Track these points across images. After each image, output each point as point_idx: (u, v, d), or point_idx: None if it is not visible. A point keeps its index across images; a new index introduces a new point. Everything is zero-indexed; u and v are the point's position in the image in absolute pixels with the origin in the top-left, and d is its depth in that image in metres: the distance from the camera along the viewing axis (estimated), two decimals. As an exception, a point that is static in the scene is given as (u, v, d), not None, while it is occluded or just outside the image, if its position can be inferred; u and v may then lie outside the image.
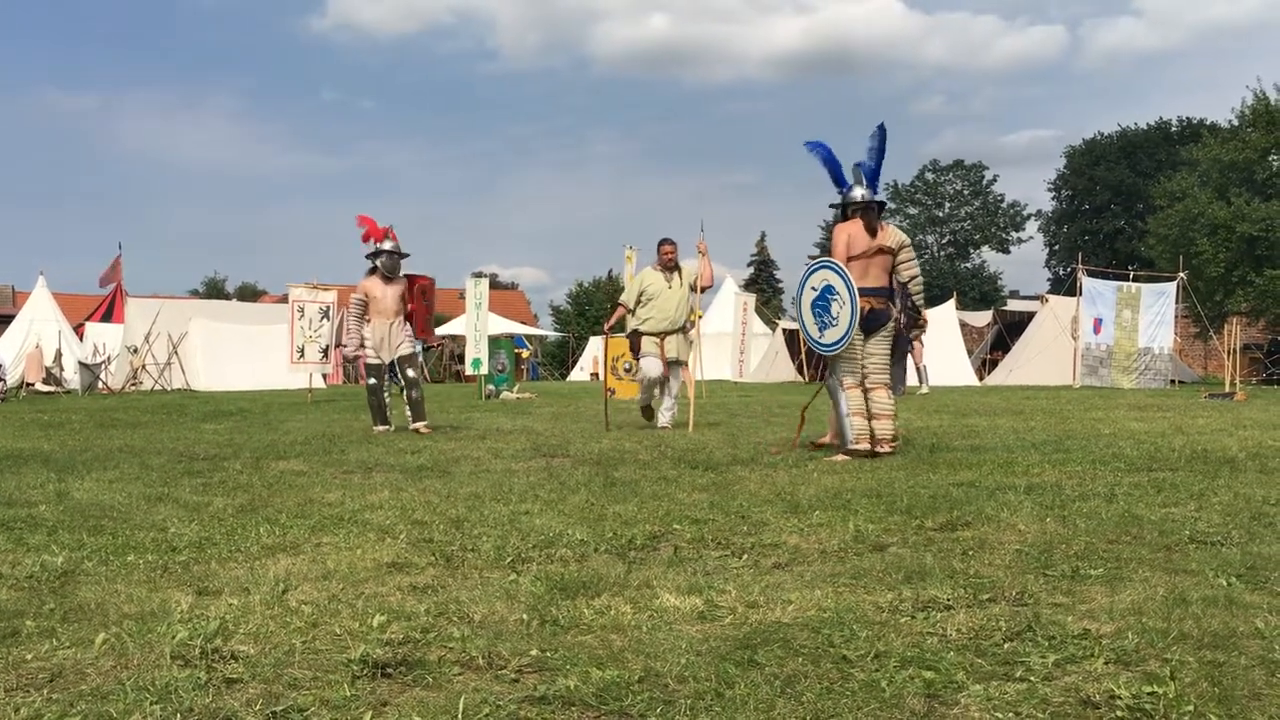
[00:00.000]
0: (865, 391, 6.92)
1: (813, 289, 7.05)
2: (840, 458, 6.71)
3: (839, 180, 7.28)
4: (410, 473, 6.33)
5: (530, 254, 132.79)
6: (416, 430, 9.52)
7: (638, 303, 9.71)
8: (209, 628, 2.67)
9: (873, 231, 6.97)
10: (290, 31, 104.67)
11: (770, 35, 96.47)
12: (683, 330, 9.74)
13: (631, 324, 9.83)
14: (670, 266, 9.69)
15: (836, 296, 6.84)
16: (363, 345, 9.72)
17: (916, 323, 7.29)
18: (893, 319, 7.00)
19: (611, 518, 4.46)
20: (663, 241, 9.79)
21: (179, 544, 3.94)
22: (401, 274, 9.92)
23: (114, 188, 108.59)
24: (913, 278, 7.12)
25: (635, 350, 9.85)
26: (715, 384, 19.82)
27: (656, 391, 9.79)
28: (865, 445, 6.81)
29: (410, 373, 9.77)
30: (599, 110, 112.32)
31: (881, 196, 7.25)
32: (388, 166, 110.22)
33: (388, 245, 9.79)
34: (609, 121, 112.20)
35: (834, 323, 6.88)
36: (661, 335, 9.60)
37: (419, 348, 10.80)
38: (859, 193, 7.10)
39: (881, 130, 7.24)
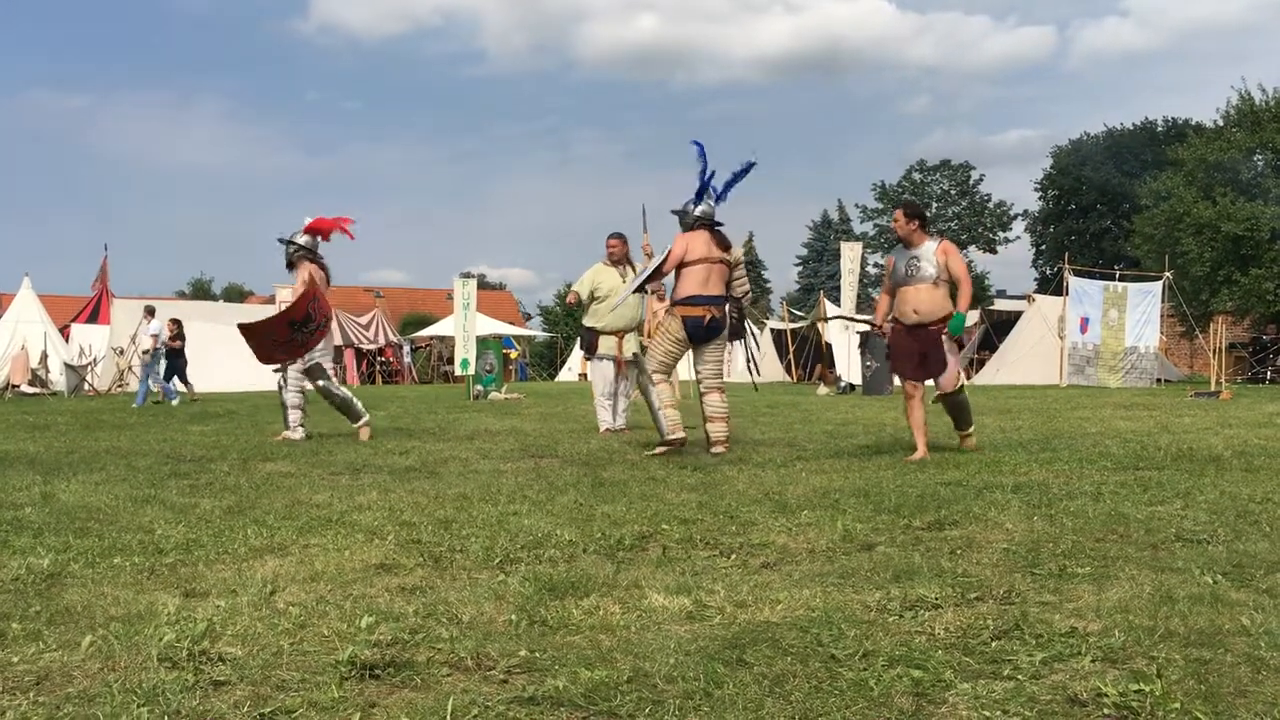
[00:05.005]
0: (700, 395, 7.46)
1: None
2: (659, 450, 7.28)
3: (703, 189, 7.64)
4: (398, 474, 6.31)
5: (518, 254, 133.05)
6: (356, 435, 8.87)
7: (591, 299, 9.43)
8: (196, 630, 2.66)
9: (725, 246, 7.48)
10: (275, 34, 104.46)
11: (758, 36, 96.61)
12: (640, 328, 9.66)
13: (588, 321, 9.56)
14: (619, 261, 9.44)
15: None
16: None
17: (739, 333, 7.82)
18: (728, 328, 7.50)
19: (600, 518, 4.46)
20: (609, 236, 9.54)
21: (166, 546, 3.92)
22: (299, 268, 8.89)
23: (101, 189, 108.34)
24: (745, 293, 7.70)
25: (590, 350, 9.56)
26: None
27: (606, 395, 9.52)
28: (681, 435, 7.28)
29: (320, 382, 8.97)
30: (586, 111, 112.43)
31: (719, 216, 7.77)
32: (374, 167, 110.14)
33: (301, 239, 8.99)
34: (596, 122, 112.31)
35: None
36: (619, 333, 9.44)
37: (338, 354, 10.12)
38: (710, 207, 7.61)
39: (703, 174, 7.63)
